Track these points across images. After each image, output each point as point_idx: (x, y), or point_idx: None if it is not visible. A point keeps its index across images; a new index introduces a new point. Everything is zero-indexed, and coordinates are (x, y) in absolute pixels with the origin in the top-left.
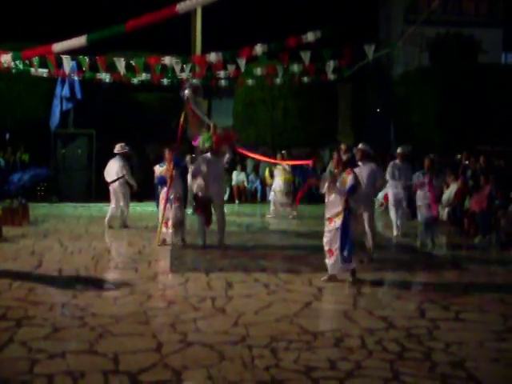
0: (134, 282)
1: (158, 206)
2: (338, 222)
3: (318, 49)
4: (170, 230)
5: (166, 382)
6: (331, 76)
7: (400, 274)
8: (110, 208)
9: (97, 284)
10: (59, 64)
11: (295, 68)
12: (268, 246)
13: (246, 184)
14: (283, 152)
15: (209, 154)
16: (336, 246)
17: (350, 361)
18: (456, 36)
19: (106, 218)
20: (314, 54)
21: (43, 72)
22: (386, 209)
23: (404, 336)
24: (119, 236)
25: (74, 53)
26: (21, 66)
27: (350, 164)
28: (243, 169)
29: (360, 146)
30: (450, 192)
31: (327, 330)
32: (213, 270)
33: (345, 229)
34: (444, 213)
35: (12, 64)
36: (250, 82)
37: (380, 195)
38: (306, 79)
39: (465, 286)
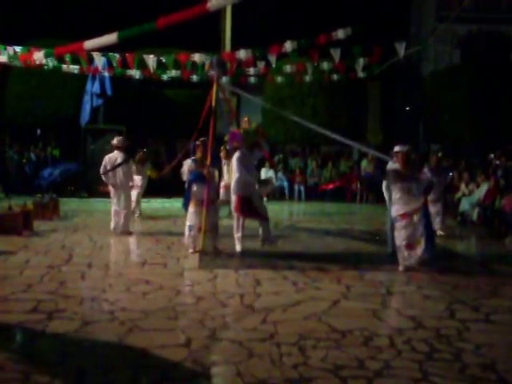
0: (163, 278)
1: (185, 205)
2: (415, 217)
3: (348, 46)
4: (199, 235)
5: (195, 378)
6: (361, 74)
7: (428, 274)
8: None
9: (126, 279)
10: (90, 61)
11: (325, 65)
12: (296, 243)
13: (274, 181)
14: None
15: (242, 151)
16: (414, 239)
17: (379, 360)
18: (488, 33)
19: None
20: (344, 51)
21: (75, 69)
22: None
23: (433, 336)
24: (148, 231)
25: (104, 49)
26: (52, 63)
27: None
28: (271, 166)
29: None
30: (480, 192)
31: (355, 328)
32: (241, 267)
33: (427, 223)
34: (474, 213)
35: (44, 61)
36: (279, 79)
37: None
38: (335, 77)
39: (495, 288)
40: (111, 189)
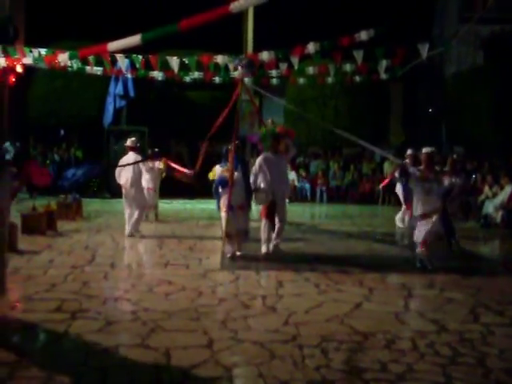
0: (185, 279)
1: (218, 207)
2: (434, 217)
3: (371, 48)
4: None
5: (217, 379)
6: (383, 75)
7: (451, 277)
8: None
9: (148, 279)
10: (113, 62)
11: (347, 67)
12: (318, 245)
13: (296, 183)
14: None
15: (269, 153)
16: (432, 238)
17: (402, 363)
18: (511, 34)
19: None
20: (367, 53)
21: (98, 70)
22: None
23: (457, 340)
24: (170, 232)
25: (127, 51)
26: (76, 65)
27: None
28: (292, 168)
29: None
30: (504, 194)
31: (378, 331)
32: (263, 269)
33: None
34: (498, 215)
35: (68, 63)
36: (301, 80)
37: None
38: (357, 78)
39: None
40: (123, 190)
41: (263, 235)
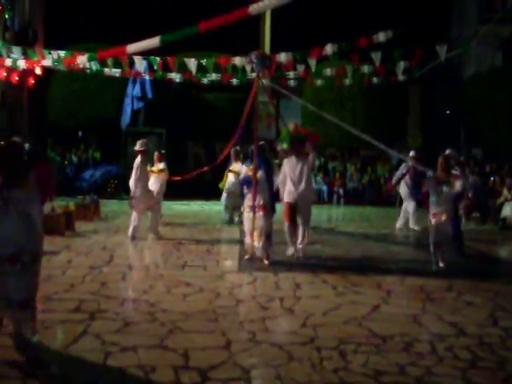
0: (203, 280)
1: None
2: (443, 217)
3: (389, 49)
4: (252, 242)
5: (235, 380)
6: (401, 77)
7: (469, 280)
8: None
9: (166, 280)
10: (131, 64)
11: (365, 69)
12: (336, 247)
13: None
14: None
15: (292, 156)
16: (444, 238)
17: (420, 366)
18: None
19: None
20: (385, 54)
21: (116, 72)
22: None
23: (476, 344)
24: (187, 234)
25: (145, 53)
26: (95, 67)
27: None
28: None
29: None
30: None
31: (396, 334)
32: (281, 270)
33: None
34: None
35: (87, 65)
36: (318, 82)
37: None
38: (375, 80)
39: None
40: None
41: (287, 237)
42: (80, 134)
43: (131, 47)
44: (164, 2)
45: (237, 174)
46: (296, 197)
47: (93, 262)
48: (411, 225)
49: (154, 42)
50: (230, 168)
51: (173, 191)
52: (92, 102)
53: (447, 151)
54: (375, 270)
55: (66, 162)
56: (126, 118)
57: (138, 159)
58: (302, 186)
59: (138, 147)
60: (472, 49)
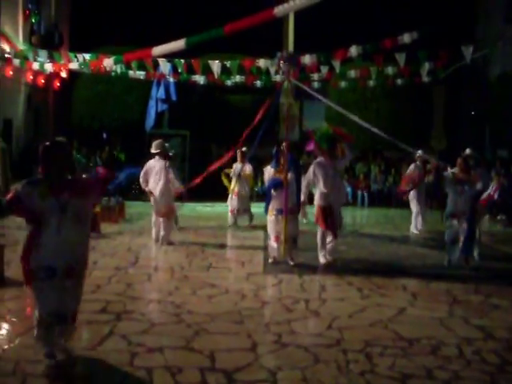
0: (228, 282)
1: (266, 210)
2: (462, 218)
3: (414, 50)
4: (278, 246)
5: (261, 382)
6: (426, 78)
7: (496, 283)
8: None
9: (191, 282)
10: (155, 66)
11: (389, 70)
12: (360, 249)
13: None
14: None
15: (323, 158)
16: (458, 238)
17: (448, 370)
18: None
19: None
20: (409, 55)
21: (141, 74)
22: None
23: (504, 348)
24: (212, 235)
25: (169, 55)
26: (120, 69)
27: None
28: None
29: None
30: None
31: (423, 337)
32: (306, 273)
33: (471, 225)
34: None
35: (113, 67)
36: (342, 84)
37: None
38: (399, 81)
39: None
40: (151, 197)
41: (319, 244)
42: (105, 135)
43: (157, 50)
44: (189, 4)
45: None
46: (331, 200)
47: (118, 264)
48: (411, 228)
49: (179, 44)
50: (226, 170)
51: (196, 193)
52: (116, 104)
53: (466, 151)
54: (401, 272)
55: (91, 164)
56: (150, 121)
57: (158, 162)
58: (337, 188)
59: (153, 149)
60: (498, 49)
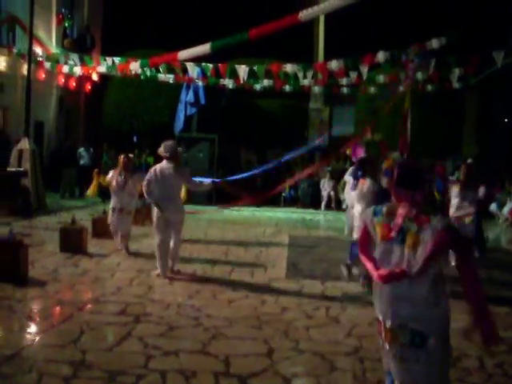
0: (250, 287)
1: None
2: (466, 220)
3: (443, 56)
4: None
5: None
6: (456, 84)
7: None
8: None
9: (212, 286)
10: (184, 70)
11: (419, 75)
12: None
13: None
14: None
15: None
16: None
17: (468, 383)
18: None
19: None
20: (439, 61)
21: (170, 78)
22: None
23: None
24: (236, 240)
25: (198, 59)
26: (148, 73)
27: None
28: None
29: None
30: None
31: None
32: (328, 279)
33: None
34: None
35: (139, 71)
36: (372, 89)
37: (505, 210)
38: (429, 87)
39: None
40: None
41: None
42: (135, 139)
43: (183, 54)
44: (218, 9)
45: None
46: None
47: (141, 266)
48: None
49: (204, 48)
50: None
51: (222, 197)
52: (146, 107)
53: (469, 160)
54: None
55: None
56: (179, 124)
57: (169, 166)
58: None
59: (161, 151)
60: None
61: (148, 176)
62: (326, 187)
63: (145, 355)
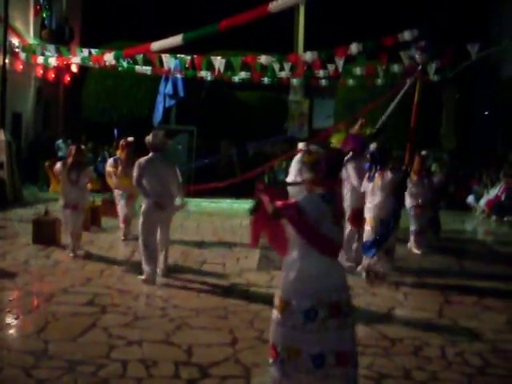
0: (220, 278)
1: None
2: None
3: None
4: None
5: (235, 378)
6: (434, 77)
7: (493, 283)
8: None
9: (183, 277)
10: (161, 62)
11: (395, 68)
12: None
13: None
14: None
15: (357, 158)
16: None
17: (427, 371)
18: None
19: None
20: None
21: (147, 70)
22: (488, 216)
23: (489, 350)
24: (211, 232)
25: (176, 51)
26: (125, 65)
27: None
28: None
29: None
30: None
31: (406, 337)
32: None
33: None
34: None
35: (114, 62)
36: (350, 82)
37: (482, 202)
38: (408, 80)
39: None
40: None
41: (346, 244)
42: (116, 131)
43: (155, 45)
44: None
45: None
46: (363, 202)
47: (113, 257)
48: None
49: (176, 39)
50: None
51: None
52: (125, 99)
53: (423, 152)
54: (396, 271)
55: (99, 159)
56: (157, 116)
57: (156, 158)
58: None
59: (151, 141)
60: (511, 48)
61: (137, 171)
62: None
63: (108, 345)
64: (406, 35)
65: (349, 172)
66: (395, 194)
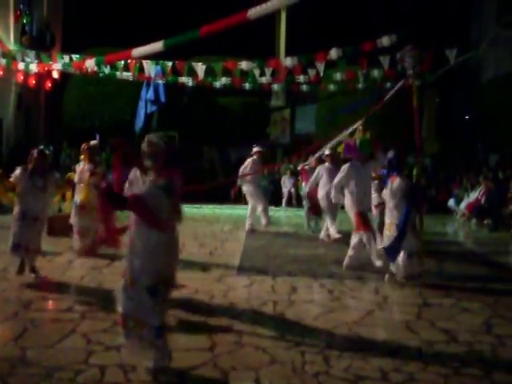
0: (200, 282)
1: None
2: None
3: (395, 53)
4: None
5: (213, 382)
6: (414, 81)
7: (471, 286)
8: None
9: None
10: (143, 68)
11: (375, 73)
12: (339, 251)
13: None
14: None
15: (357, 162)
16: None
17: (404, 372)
18: None
19: None
20: (394, 58)
21: (128, 76)
22: (469, 219)
23: (465, 351)
24: (192, 237)
25: (158, 57)
26: (107, 71)
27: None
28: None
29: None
30: None
31: (385, 339)
32: (280, 274)
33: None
34: None
35: (95, 68)
36: (331, 87)
37: (462, 205)
38: (388, 84)
39: None
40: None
41: (372, 248)
42: (98, 137)
43: (136, 51)
44: (188, 7)
45: None
46: (367, 205)
47: (94, 264)
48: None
49: (157, 46)
50: None
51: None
52: (107, 105)
53: (389, 154)
54: (376, 274)
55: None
56: (139, 122)
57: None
58: (368, 193)
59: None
60: (490, 53)
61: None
62: (286, 184)
63: (86, 351)
64: (385, 40)
65: (341, 175)
66: (407, 199)
